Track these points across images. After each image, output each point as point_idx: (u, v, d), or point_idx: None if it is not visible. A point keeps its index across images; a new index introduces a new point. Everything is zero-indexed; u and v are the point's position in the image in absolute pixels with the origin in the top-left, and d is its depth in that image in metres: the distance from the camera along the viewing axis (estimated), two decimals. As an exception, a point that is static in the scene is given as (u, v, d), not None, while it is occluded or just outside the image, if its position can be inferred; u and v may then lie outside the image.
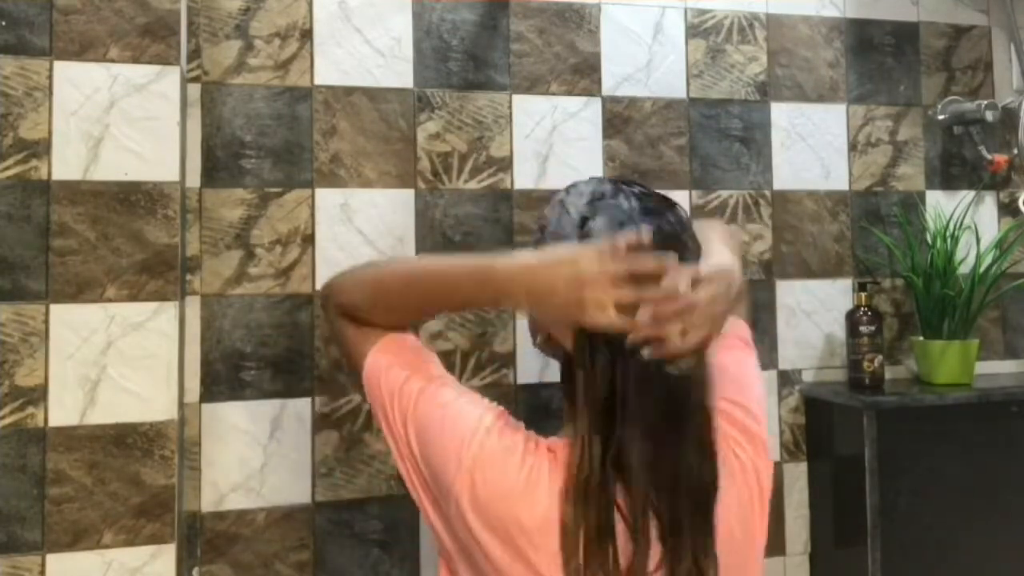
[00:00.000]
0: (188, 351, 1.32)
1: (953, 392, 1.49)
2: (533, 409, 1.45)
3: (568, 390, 0.89)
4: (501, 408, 0.89)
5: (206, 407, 1.34)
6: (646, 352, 0.79)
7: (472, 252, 1.45)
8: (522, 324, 1.44)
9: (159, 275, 1.19)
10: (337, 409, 1.38)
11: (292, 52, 1.40)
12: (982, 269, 1.59)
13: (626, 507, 0.81)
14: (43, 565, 1.13)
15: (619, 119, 1.54)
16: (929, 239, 1.63)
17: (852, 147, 1.66)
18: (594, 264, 0.80)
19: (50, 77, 1.17)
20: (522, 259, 0.87)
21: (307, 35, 1.41)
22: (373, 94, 1.43)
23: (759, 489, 0.90)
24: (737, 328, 1.04)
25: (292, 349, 1.37)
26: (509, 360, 1.45)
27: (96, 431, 1.16)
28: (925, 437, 1.44)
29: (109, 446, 1.16)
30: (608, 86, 1.54)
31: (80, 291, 1.17)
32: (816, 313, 1.62)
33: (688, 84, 1.58)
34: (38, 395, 1.15)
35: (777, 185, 1.61)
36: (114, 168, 1.19)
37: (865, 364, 1.52)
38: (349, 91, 1.42)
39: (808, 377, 1.61)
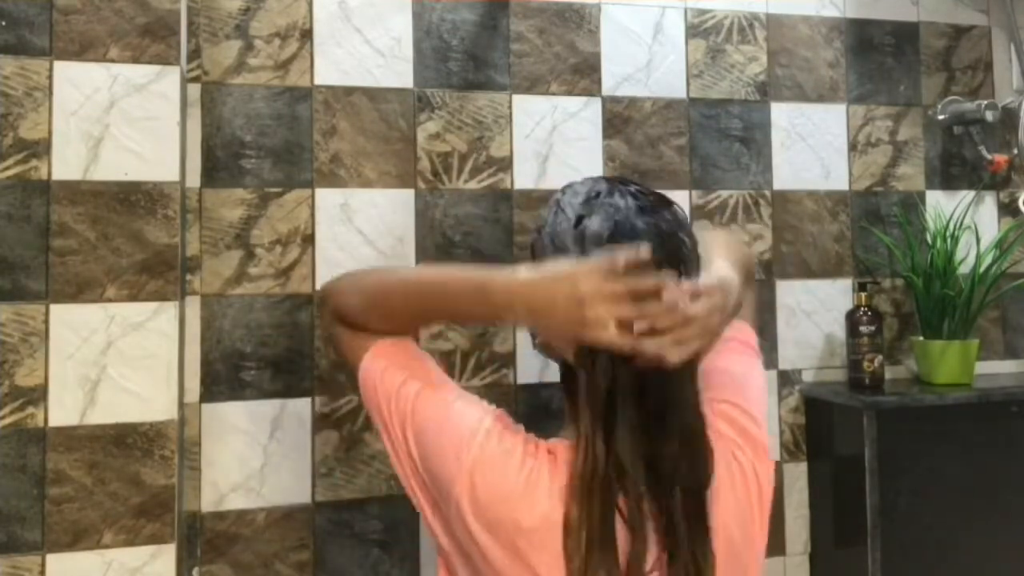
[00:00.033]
0: (188, 351, 1.32)
1: (953, 392, 1.49)
2: (533, 409, 1.45)
3: (569, 390, 0.89)
4: (500, 410, 0.89)
5: (206, 407, 1.34)
6: (640, 361, 0.80)
7: (473, 251, 1.45)
8: (522, 324, 1.44)
9: (159, 275, 1.19)
10: (337, 409, 1.38)
11: (292, 52, 1.40)
12: (982, 269, 1.59)
13: (625, 505, 0.81)
14: (43, 565, 1.13)
15: (619, 119, 1.54)
16: (929, 239, 1.63)
17: (852, 147, 1.66)
18: (593, 282, 0.80)
19: (50, 77, 1.17)
20: (521, 275, 0.86)
21: (307, 35, 1.41)
22: (373, 94, 1.43)
23: (758, 492, 0.90)
24: (743, 333, 1.04)
25: (292, 349, 1.37)
26: (509, 360, 1.45)
27: (96, 431, 1.16)
28: (925, 437, 1.44)
29: (109, 446, 1.16)
30: (608, 86, 1.54)
31: (80, 291, 1.17)
32: (816, 313, 1.62)
33: (688, 84, 1.58)
34: (38, 395, 1.15)
35: (777, 185, 1.62)
36: (114, 168, 1.19)
37: (865, 364, 1.52)
38: (349, 91, 1.42)
39: (808, 377, 1.61)
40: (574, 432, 0.84)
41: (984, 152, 1.68)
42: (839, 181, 1.65)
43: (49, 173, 1.17)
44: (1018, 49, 1.70)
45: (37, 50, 1.17)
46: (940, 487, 1.43)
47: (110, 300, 1.18)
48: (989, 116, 1.63)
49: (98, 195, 1.18)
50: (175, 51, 1.22)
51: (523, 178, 1.49)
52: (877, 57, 1.68)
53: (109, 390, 1.17)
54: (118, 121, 1.19)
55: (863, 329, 1.53)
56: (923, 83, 1.71)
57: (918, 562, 1.42)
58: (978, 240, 1.63)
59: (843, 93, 1.66)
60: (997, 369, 1.69)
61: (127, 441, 1.17)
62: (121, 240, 1.18)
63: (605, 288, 0.79)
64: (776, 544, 1.55)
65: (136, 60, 1.20)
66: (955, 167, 1.71)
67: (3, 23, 1.16)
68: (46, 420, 1.15)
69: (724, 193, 1.59)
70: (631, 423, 0.82)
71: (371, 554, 1.38)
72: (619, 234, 0.85)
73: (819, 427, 1.57)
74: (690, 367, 0.85)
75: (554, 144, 1.51)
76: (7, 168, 1.16)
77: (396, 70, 1.45)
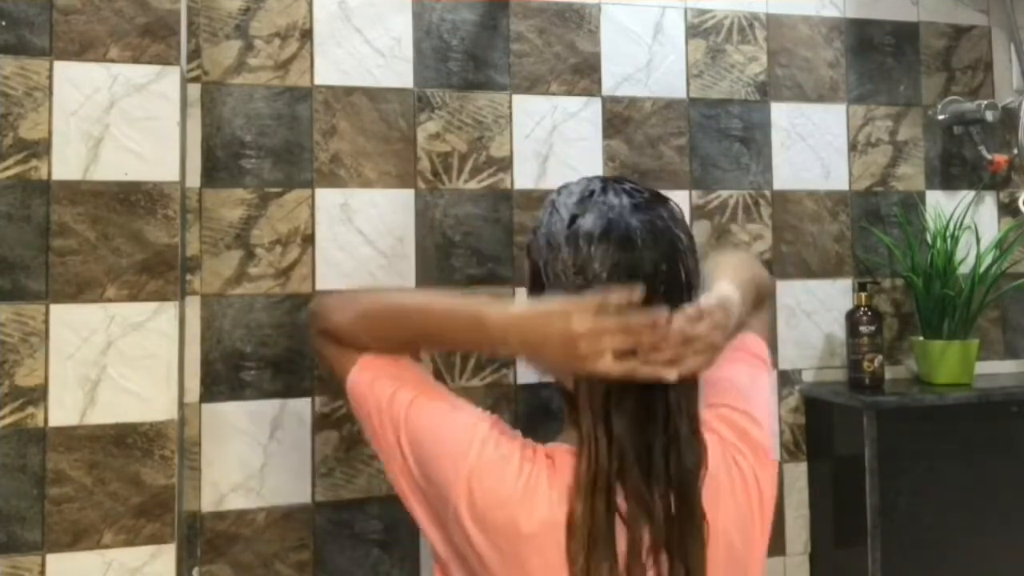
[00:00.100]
0: (188, 351, 1.32)
1: (953, 392, 1.49)
2: (533, 409, 1.45)
3: (568, 395, 0.89)
4: (495, 416, 0.89)
5: (206, 407, 1.34)
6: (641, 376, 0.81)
7: (473, 251, 1.45)
8: (522, 324, 1.44)
9: (159, 275, 1.19)
10: (337, 409, 1.38)
11: (292, 52, 1.40)
12: (982, 269, 1.59)
13: (624, 505, 0.82)
14: (43, 565, 1.13)
15: (619, 119, 1.54)
16: (929, 239, 1.63)
17: (852, 147, 1.66)
18: (586, 319, 0.81)
19: (50, 77, 1.17)
20: (514, 309, 0.87)
21: (307, 35, 1.41)
22: (373, 94, 1.43)
23: (759, 496, 0.90)
24: (754, 345, 1.04)
25: (292, 349, 1.37)
26: (509, 360, 1.45)
27: (96, 431, 1.16)
28: (925, 437, 1.44)
29: (109, 446, 1.16)
30: (608, 86, 1.54)
31: (80, 291, 1.17)
32: (816, 313, 1.62)
33: (688, 84, 1.58)
34: (38, 395, 1.15)
35: (777, 185, 1.62)
36: (114, 168, 1.19)
37: (865, 364, 1.52)
38: (349, 91, 1.42)
39: (808, 377, 1.61)
40: (574, 436, 0.85)
41: (984, 152, 1.68)
42: (839, 181, 1.65)
43: (49, 173, 1.17)
44: (1018, 49, 1.70)
45: (37, 50, 1.17)
46: (940, 487, 1.43)
47: (110, 300, 1.18)
48: (989, 116, 1.63)
49: (98, 195, 1.18)
50: (175, 51, 1.22)
51: (523, 178, 1.49)
52: (877, 57, 1.68)
53: (109, 390, 1.17)
54: (118, 121, 1.19)
55: (863, 329, 1.53)
56: (923, 83, 1.71)
57: (918, 562, 1.42)
58: (978, 240, 1.63)
59: (843, 93, 1.66)
60: (997, 369, 1.69)
61: (127, 441, 1.17)
62: (121, 240, 1.18)
63: (598, 325, 0.80)
64: (776, 544, 1.55)
65: (136, 60, 1.20)
66: (955, 167, 1.71)
67: (3, 23, 1.16)
68: (46, 420, 1.15)
69: (724, 193, 1.59)
70: (631, 424, 0.83)
71: (371, 554, 1.38)
72: (612, 231, 0.85)
73: (819, 427, 1.57)
74: (692, 377, 0.86)
75: (554, 144, 1.51)
76: (7, 168, 1.16)
77: (396, 70, 1.45)
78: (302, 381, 1.37)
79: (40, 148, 1.17)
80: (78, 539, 1.14)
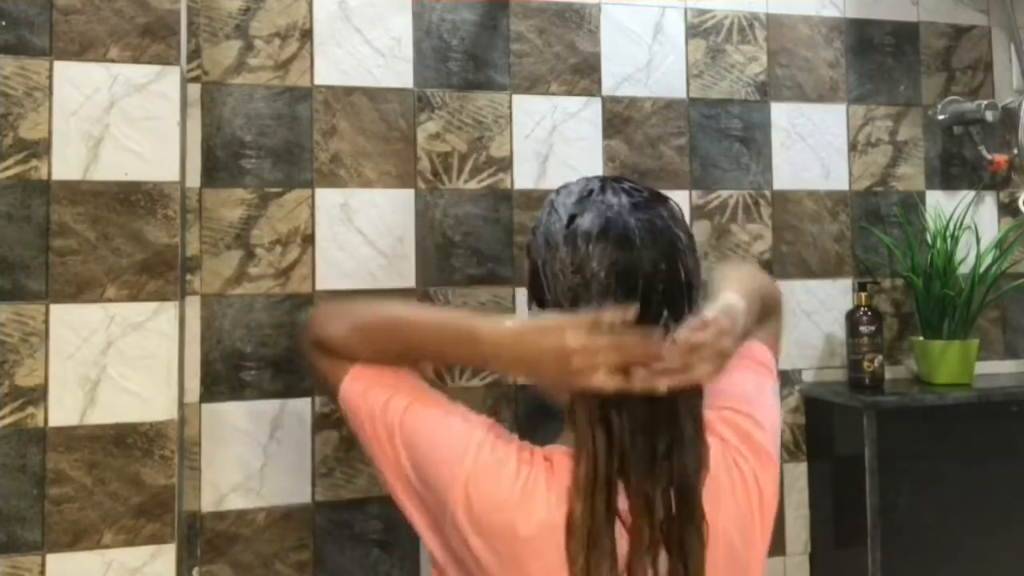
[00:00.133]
0: (188, 351, 1.32)
1: (953, 392, 1.49)
2: (533, 409, 1.45)
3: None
4: (491, 420, 0.89)
5: (206, 407, 1.34)
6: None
7: (473, 251, 1.45)
8: (522, 324, 1.44)
9: (159, 275, 1.19)
10: (337, 409, 1.38)
11: (292, 52, 1.40)
12: (982, 269, 1.59)
13: (623, 505, 0.82)
14: (43, 565, 1.13)
15: (619, 119, 1.54)
16: (929, 239, 1.63)
17: (852, 147, 1.66)
18: (580, 334, 0.81)
19: (50, 77, 1.17)
20: (507, 325, 0.87)
21: (307, 35, 1.41)
22: (373, 94, 1.43)
23: (759, 497, 0.90)
24: (759, 353, 1.04)
25: (292, 349, 1.37)
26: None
27: (96, 431, 1.16)
28: (925, 437, 1.44)
29: (109, 446, 1.16)
30: (608, 86, 1.54)
31: (80, 291, 1.17)
32: (816, 313, 1.62)
33: (688, 84, 1.58)
34: (38, 395, 1.15)
35: (777, 185, 1.62)
36: (114, 168, 1.19)
37: (865, 364, 1.52)
38: (349, 91, 1.42)
39: (808, 377, 1.61)
40: (572, 439, 0.85)
41: (984, 152, 1.68)
42: (839, 181, 1.65)
43: (49, 173, 1.17)
44: (1018, 49, 1.70)
45: (37, 50, 1.17)
46: (940, 487, 1.43)
47: (110, 300, 1.18)
48: (989, 116, 1.63)
49: (98, 195, 1.18)
50: (175, 51, 1.22)
51: (523, 178, 1.49)
52: (877, 57, 1.68)
53: (109, 390, 1.17)
54: (118, 121, 1.19)
55: (863, 329, 1.53)
56: (923, 83, 1.71)
57: (918, 562, 1.42)
58: (978, 240, 1.63)
59: (843, 93, 1.66)
60: (997, 369, 1.69)
61: (127, 441, 1.17)
62: (121, 240, 1.18)
63: (590, 343, 0.80)
64: (776, 544, 1.55)
65: (136, 60, 1.20)
66: (955, 167, 1.71)
67: (3, 23, 1.16)
68: (46, 420, 1.15)
69: (724, 193, 1.59)
70: (633, 426, 0.83)
71: (371, 554, 1.38)
72: (610, 230, 0.85)
73: (819, 427, 1.57)
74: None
75: (554, 144, 1.51)
76: (7, 168, 1.16)
77: (396, 70, 1.45)
78: (302, 381, 1.37)
79: (40, 148, 1.17)
80: (78, 539, 1.14)
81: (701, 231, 1.56)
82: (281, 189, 1.39)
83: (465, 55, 1.48)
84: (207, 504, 1.32)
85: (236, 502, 1.33)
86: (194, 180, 1.35)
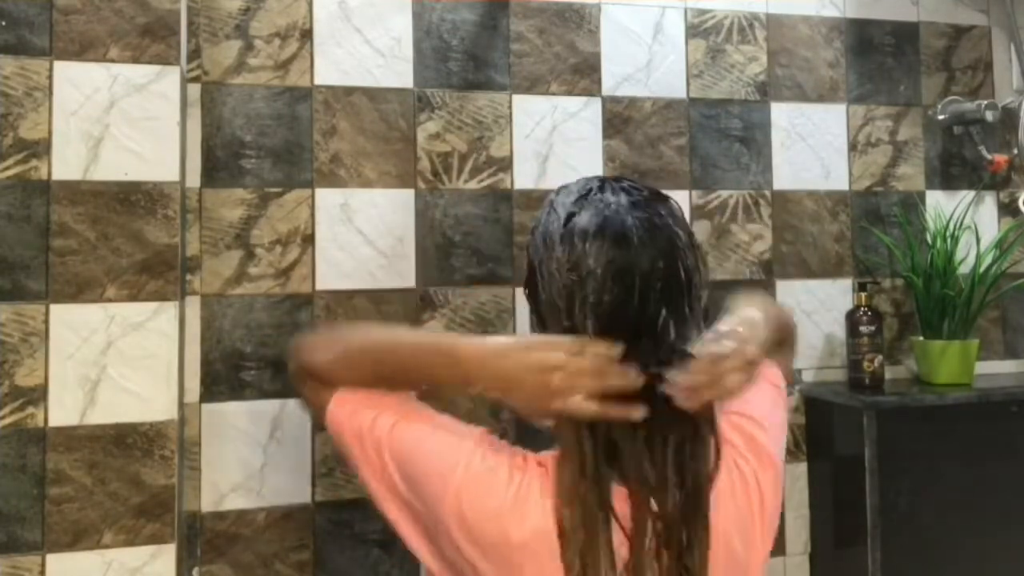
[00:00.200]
0: (188, 351, 1.32)
1: (953, 392, 1.49)
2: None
3: None
4: (482, 430, 0.88)
5: (206, 407, 1.34)
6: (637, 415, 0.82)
7: (473, 251, 1.45)
8: (521, 325, 1.44)
9: (159, 275, 1.19)
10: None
11: (292, 52, 1.40)
12: (982, 269, 1.59)
13: (621, 506, 0.81)
14: (43, 565, 1.13)
15: (619, 119, 1.54)
16: (929, 239, 1.63)
17: (852, 147, 1.66)
18: (562, 354, 0.82)
19: (50, 77, 1.17)
20: (492, 342, 0.88)
21: (307, 35, 1.41)
22: (373, 94, 1.43)
23: (759, 499, 0.89)
24: (773, 375, 1.03)
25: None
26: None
27: (96, 431, 1.16)
28: (925, 437, 1.44)
29: (109, 446, 1.16)
30: (608, 86, 1.54)
31: (80, 291, 1.17)
32: (816, 313, 1.62)
33: (688, 84, 1.58)
34: (38, 395, 1.15)
35: (777, 185, 1.62)
36: (114, 168, 1.19)
37: (865, 364, 1.52)
38: (349, 91, 1.42)
39: (808, 377, 1.61)
40: (562, 438, 0.84)
41: (984, 152, 1.68)
42: (839, 181, 1.65)
43: (49, 173, 1.17)
44: (1018, 49, 1.70)
45: (37, 50, 1.17)
46: (940, 487, 1.43)
47: (110, 300, 1.18)
48: (989, 116, 1.63)
49: (98, 195, 1.18)
50: (175, 51, 1.22)
51: (523, 178, 1.49)
52: (877, 57, 1.68)
53: (109, 390, 1.17)
54: (118, 121, 1.19)
55: (863, 329, 1.53)
56: (923, 83, 1.71)
57: (918, 562, 1.42)
58: (978, 240, 1.63)
59: (843, 93, 1.66)
60: (997, 369, 1.69)
61: (127, 441, 1.17)
62: (121, 240, 1.18)
63: (574, 363, 0.81)
64: (776, 544, 1.54)
65: (136, 60, 1.20)
66: (955, 167, 1.71)
67: (3, 23, 1.16)
68: (46, 420, 1.15)
69: (724, 193, 1.59)
70: (621, 426, 0.82)
71: (371, 554, 1.38)
72: (607, 228, 0.85)
73: (819, 427, 1.57)
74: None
75: (554, 144, 1.51)
76: (7, 168, 1.16)
77: (396, 70, 1.45)
78: (302, 381, 1.37)
79: (40, 148, 1.17)
80: (78, 539, 1.14)
81: (701, 231, 1.56)
82: (281, 189, 1.39)
83: (465, 55, 1.48)
84: (207, 504, 1.32)
85: (236, 502, 1.33)
86: (194, 180, 1.35)
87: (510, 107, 1.49)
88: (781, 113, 1.62)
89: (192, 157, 1.35)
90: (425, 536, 0.86)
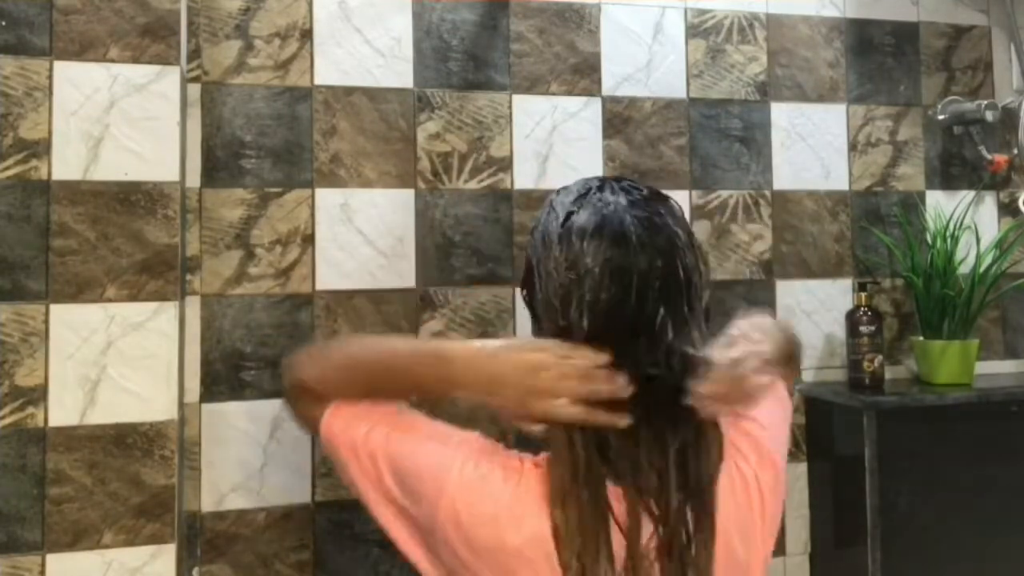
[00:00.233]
0: (188, 351, 1.32)
1: (953, 392, 1.49)
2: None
3: None
4: (475, 435, 0.88)
5: (206, 407, 1.34)
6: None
7: (473, 251, 1.45)
8: (521, 325, 1.44)
9: (159, 275, 1.19)
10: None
11: (292, 52, 1.40)
12: (982, 269, 1.59)
13: (618, 504, 0.81)
14: (43, 565, 1.13)
15: (619, 119, 1.54)
16: (929, 239, 1.63)
17: (852, 147, 1.66)
18: (547, 354, 0.82)
19: (50, 77, 1.17)
20: (479, 343, 0.89)
21: (307, 35, 1.41)
22: (373, 94, 1.43)
23: (760, 499, 0.89)
24: (782, 390, 1.03)
25: (292, 349, 1.36)
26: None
27: (96, 431, 1.16)
28: (925, 437, 1.44)
29: (109, 446, 1.16)
30: (608, 86, 1.54)
31: (80, 291, 1.17)
32: (816, 313, 1.62)
33: (688, 84, 1.58)
34: (38, 395, 1.15)
35: (777, 185, 1.62)
36: (114, 168, 1.19)
37: (865, 364, 1.52)
38: (349, 91, 1.42)
39: (808, 377, 1.61)
40: (554, 438, 0.84)
41: (984, 152, 1.68)
42: (839, 181, 1.65)
43: (49, 173, 1.17)
44: (1018, 49, 1.70)
45: (37, 50, 1.17)
46: (940, 487, 1.43)
47: (110, 300, 1.18)
48: (989, 116, 1.63)
49: (98, 195, 1.18)
50: (175, 51, 1.22)
51: (523, 178, 1.49)
52: (877, 57, 1.68)
53: (109, 390, 1.17)
54: (118, 121, 1.19)
55: (863, 329, 1.53)
56: (923, 83, 1.71)
57: (918, 562, 1.42)
58: (978, 240, 1.63)
59: (843, 93, 1.66)
60: (997, 369, 1.69)
61: (127, 441, 1.17)
62: (121, 240, 1.18)
63: (562, 364, 0.82)
64: (776, 544, 1.55)
65: (136, 60, 1.20)
66: (955, 167, 1.71)
67: (3, 23, 1.16)
68: (46, 420, 1.15)
69: (724, 193, 1.59)
70: (629, 430, 0.82)
71: (371, 554, 1.38)
72: (605, 227, 0.84)
73: (819, 427, 1.57)
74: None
75: (554, 144, 1.51)
76: (7, 168, 1.16)
77: (396, 70, 1.45)
78: (302, 381, 1.37)
79: (40, 148, 1.17)
80: (78, 539, 1.14)
81: (701, 231, 1.56)
82: (281, 189, 1.39)
83: (465, 55, 1.48)
84: (207, 504, 1.32)
85: (236, 502, 1.33)
86: (194, 180, 1.35)
87: (510, 107, 1.49)
88: (781, 113, 1.62)
89: (192, 157, 1.35)
90: (423, 543, 0.86)
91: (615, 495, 0.81)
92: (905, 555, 1.41)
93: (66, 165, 1.17)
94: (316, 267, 1.39)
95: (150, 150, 1.20)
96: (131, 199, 1.19)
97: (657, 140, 1.56)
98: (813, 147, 1.64)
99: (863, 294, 1.56)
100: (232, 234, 1.36)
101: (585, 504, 0.79)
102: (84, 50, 1.19)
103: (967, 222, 1.64)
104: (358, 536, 1.38)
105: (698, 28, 1.59)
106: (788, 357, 1.03)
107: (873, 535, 1.40)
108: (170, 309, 1.20)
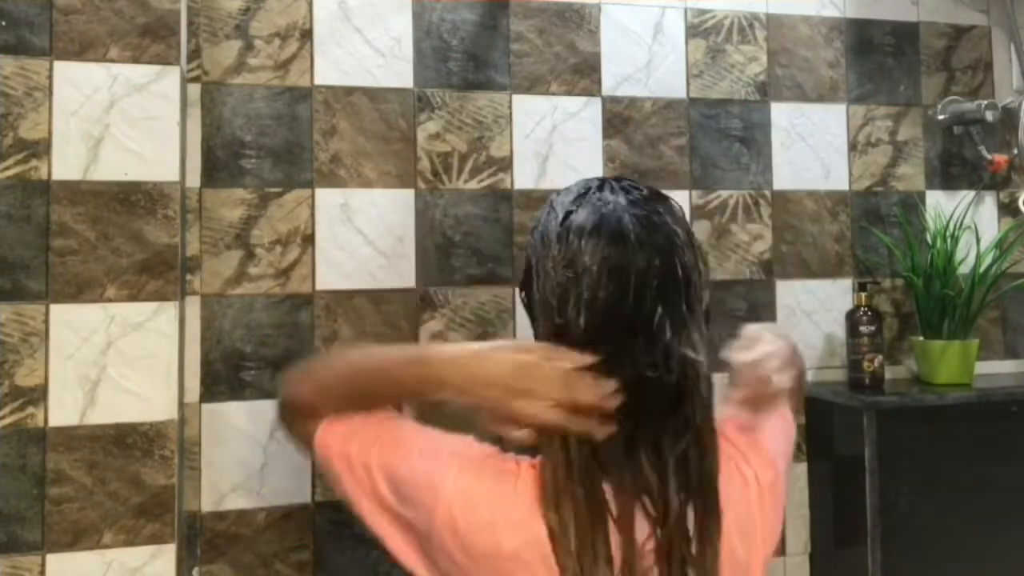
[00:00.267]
0: (188, 351, 1.32)
1: (953, 392, 1.49)
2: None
3: None
4: (469, 439, 0.87)
5: (206, 407, 1.34)
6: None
7: (473, 251, 1.45)
8: (521, 326, 1.44)
9: (159, 275, 1.19)
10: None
11: (292, 52, 1.40)
12: (982, 269, 1.59)
13: (614, 504, 0.80)
14: (43, 565, 1.13)
15: (619, 119, 1.54)
16: (929, 239, 1.63)
17: (852, 147, 1.66)
18: (535, 353, 0.82)
19: (50, 77, 1.17)
20: (463, 345, 0.91)
21: (307, 35, 1.41)
22: (373, 94, 1.43)
23: (759, 499, 0.89)
24: (788, 413, 1.04)
25: (292, 349, 1.37)
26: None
27: (96, 431, 1.16)
28: (925, 437, 1.44)
29: (109, 446, 1.16)
30: (608, 86, 1.54)
31: (80, 291, 1.17)
32: (816, 313, 1.62)
33: (688, 84, 1.58)
34: (38, 395, 1.15)
35: (777, 185, 1.62)
36: (114, 168, 1.19)
37: (865, 364, 1.52)
38: (349, 91, 1.42)
39: (808, 377, 1.60)
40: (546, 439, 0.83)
41: (984, 152, 1.68)
42: (839, 181, 1.65)
43: (49, 173, 1.17)
44: (1018, 49, 1.70)
45: (37, 50, 1.17)
46: (940, 487, 1.43)
47: (110, 300, 1.18)
48: (989, 116, 1.63)
49: (98, 195, 1.18)
50: (175, 51, 1.22)
51: (523, 178, 1.49)
52: (877, 57, 1.68)
53: (109, 390, 1.17)
54: (118, 121, 1.19)
55: (863, 329, 1.53)
56: (923, 83, 1.71)
57: (918, 562, 1.42)
58: (978, 240, 1.63)
59: (843, 93, 1.66)
60: (997, 369, 1.69)
61: (127, 441, 1.17)
62: (121, 240, 1.18)
63: (548, 365, 0.81)
64: (776, 544, 1.55)
65: (136, 60, 1.20)
66: (955, 167, 1.71)
67: (3, 23, 1.16)
68: (46, 420, 1.15)
69: (724, 193, 1.59)
70: (626, 431, 0.82)
71: (371, 554, 1.38)
72: (603, 226, 0.84)
73: (819, 427, 1.57)
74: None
75: (554, 144, 1.51)
76: (7, 168, 1.16)
77: (396, 70, 1.45)
78: (302, 381, 1.37)
79: (40, 148, 1.17)
80: (78, 539, 1.14)
81: (701, 231, 1.56)
82: (281, 189, 1.39)
83: (465, 55, 1.48)
84: (207, 504, 1.32)
85: (236, 502, 1.33)
86: (194, 180, 1.35)
87: (510, 107, 1.49)
88: (781, 113, 1.62)
89: (192, 157, 1.35)
90: (419, 549, 0.85)
91: (612, 495, 0.81)
92: (905, 555, 1.41)
93: (66, 165, 1.17)
94: (316, 267, 1.39)
95: (150, 150, 1.20)
96: (131, 199, 1.19)
97: (657, 140, 1.56)
98: (813, 147, 1.64)
99: (863, 294, 1.56)
100: (232, 234, 1.36)
101: (581, 504, 0.79)
102: (84, 50, 1.19)
103: (967, 222, 1.64)
104: (358, 536, 1.38)
105: (698, 28, 1.59)
106: (796, 375, 1.04)
107: (873, 535, 1.40)
108: (170, 309, 1.20)
